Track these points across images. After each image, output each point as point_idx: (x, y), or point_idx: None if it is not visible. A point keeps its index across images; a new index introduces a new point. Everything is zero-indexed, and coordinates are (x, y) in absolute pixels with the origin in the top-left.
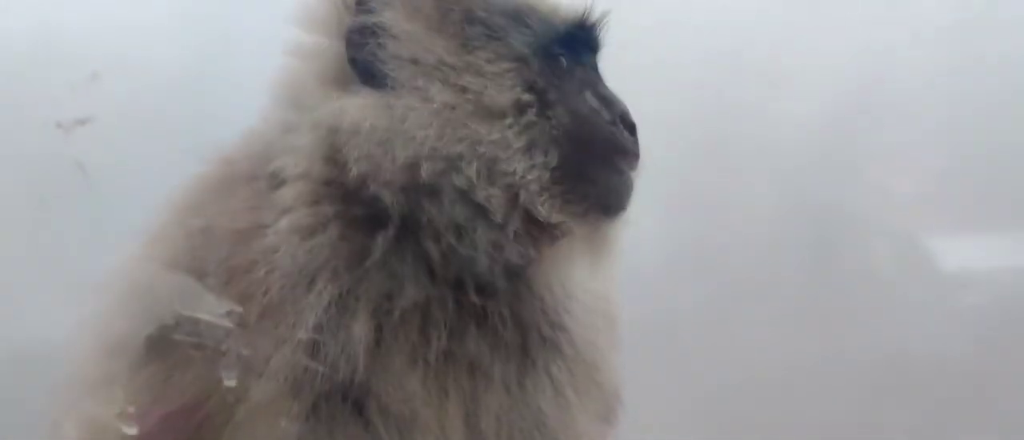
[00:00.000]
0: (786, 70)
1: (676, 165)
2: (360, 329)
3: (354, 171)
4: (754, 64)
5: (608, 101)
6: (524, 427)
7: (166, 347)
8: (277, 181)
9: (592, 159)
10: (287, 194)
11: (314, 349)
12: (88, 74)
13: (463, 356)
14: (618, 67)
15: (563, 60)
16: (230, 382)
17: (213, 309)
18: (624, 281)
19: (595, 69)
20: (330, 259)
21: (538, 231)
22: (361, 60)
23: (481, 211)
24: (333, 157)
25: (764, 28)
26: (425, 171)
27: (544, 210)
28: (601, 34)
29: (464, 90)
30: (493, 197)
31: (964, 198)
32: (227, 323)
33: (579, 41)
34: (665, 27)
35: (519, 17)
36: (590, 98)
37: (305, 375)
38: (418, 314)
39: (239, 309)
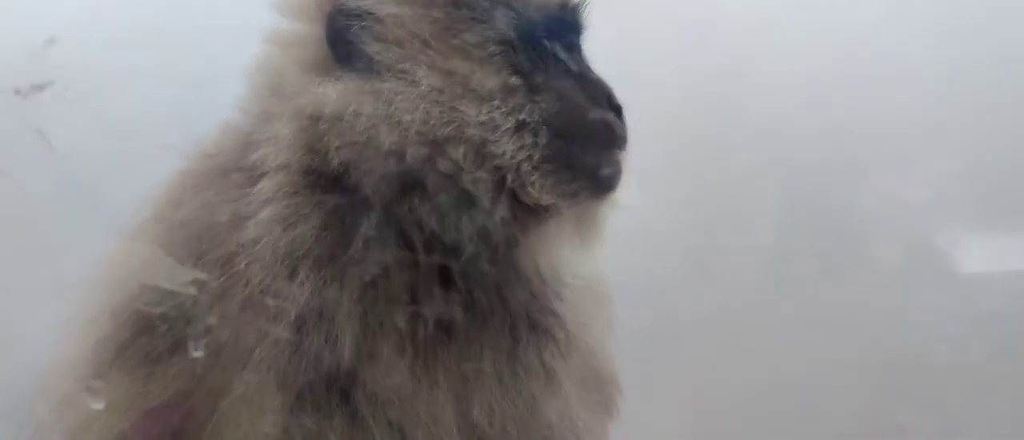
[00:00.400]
0: (794, 73)
1: (683, 170)
2: (344, 318)
3: (336, 159)
4: (762, 67)
5: (593, 83)
6: (517, 415)
7: (147, 343)
8: (257, 172)
9: (580, 141)
10: (268, 185)
11: (298, 339)
12: (45, 38)
13: (452, 344)
14: (622, 71)
15: (548, 43)
16: (197, 353)
17: (178, 278)
18: (632, 287)
19: (580, 51)
20: (312, 249)
21: (525, 214)
22: (343, 44)
23: (467, 196)
24: (314, 145)
25: (772, 31)
26: (410, 156)
27: (533, 192)
28: (584, 16)
29: (451, 74)
30: (480, 181)
31: (980, 200)
32: (192, 291)
33: (563, 24)
34: (670, 29)
35: (504, 0)
36: (576, 80)
37: (289, 366)
38: (404, 302)
39: (205, 277)
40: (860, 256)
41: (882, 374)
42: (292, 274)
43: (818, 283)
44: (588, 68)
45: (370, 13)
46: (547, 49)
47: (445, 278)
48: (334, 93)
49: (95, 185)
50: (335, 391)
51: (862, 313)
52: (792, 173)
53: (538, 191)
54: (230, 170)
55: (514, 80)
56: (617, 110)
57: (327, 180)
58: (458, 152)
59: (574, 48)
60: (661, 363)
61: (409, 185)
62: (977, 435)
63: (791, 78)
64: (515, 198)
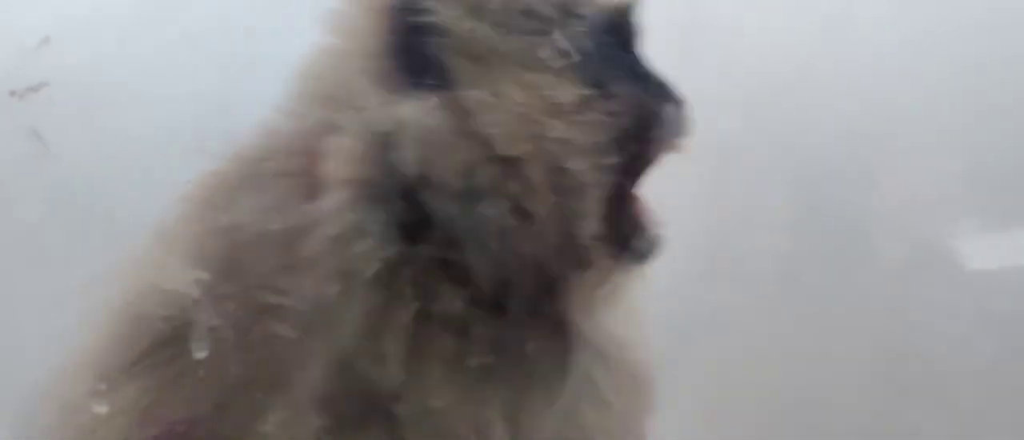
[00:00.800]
0: (801, 75)
1: (691, 172)
2: (396, 339)
3: (403, 176)
4: (768, 69)
5: (656, 83)
6: (567, 432)
7: (158, 349)
8: (316, 182)
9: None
10: (330, 199)
11: (348, 358)
12: (40, 39)
13: (501, 361)
14: None
15: (613, 49)
16: (200, 354)
17: (179, 278)
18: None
19: (638, 52)
20: (371, 266)
21: (571, 262)
22: (414, 57)
23: (529, 221)
24: (381, 161)
25: (780, 33)
26: (483, 175)
27: (585, 246)
28: (641, 18)
29: (528, 88)
30: (545, 208)
31: (986, 198)
32: (194, 291)
33: (626, 27)
34: (678, 33)
35: (570, 8)
36: (642, 82)
37: (334, 384)
38: (457, 323)
39: (206, 276)
40: (868, 256)
41: (891, 373)
42: (347, 292)
43: (825, 283)
44: (648, 67)
45: (444, 27)
46: (613, 56)
47: (500, 301)
48: (409, 109)
49: (91, 188)
50: (381, 411)
51: (870, 312)
52: (799, 175)
53: (588, 248)
54: (279, 176)
55: (589, 92)
56: (680, 103)
57: (392, 197)
58: (533, 171)
59: (634, 49)
60: (670, 364)
61: (475, 205)
62: (986, 433)
63: (798, 80)
64: (572, 236)
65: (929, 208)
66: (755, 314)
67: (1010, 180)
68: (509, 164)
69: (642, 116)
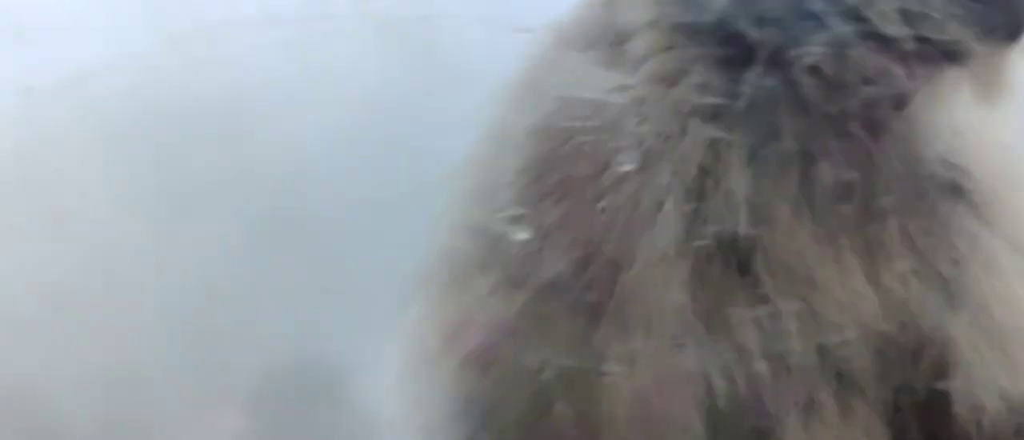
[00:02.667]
0: None
1: None
2: (737, 178)
3: (714, 7)
4: None
5: None
6: (938, 282)
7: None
8: (623, 35)
9: None
10: (639, 45)
11: (693, 204)
12: None
13: (852, 205)
14: None
15: None
16: (628, 167)
17: (601, 84)
18: None
19: None
20: (699, 105)
21: (928, 54)
22: None
23: (868, 33)
24: None
25: None
26: None
27: (938, 27)
28: None
29: None
30: (885, 12)
31: None
32: (619, 97)
33: None
34: None
35: None
36: None
37: (689, 232)
38: (798, 159)
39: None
40: None
41: None
42: (681, 133)
43: None
44: None
45: None
46: None
47: (842, 132)
48: None
49: None
50: (733, 260)
51: None
52: None
53: (944, 24)
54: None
55: None
56: None
57: (704, 32)
58: None
59: None
60: None
61: (801, 25)
62: None
63: None
64: (918, 35)
65: None
66: None
67: None
68: None
69: None
